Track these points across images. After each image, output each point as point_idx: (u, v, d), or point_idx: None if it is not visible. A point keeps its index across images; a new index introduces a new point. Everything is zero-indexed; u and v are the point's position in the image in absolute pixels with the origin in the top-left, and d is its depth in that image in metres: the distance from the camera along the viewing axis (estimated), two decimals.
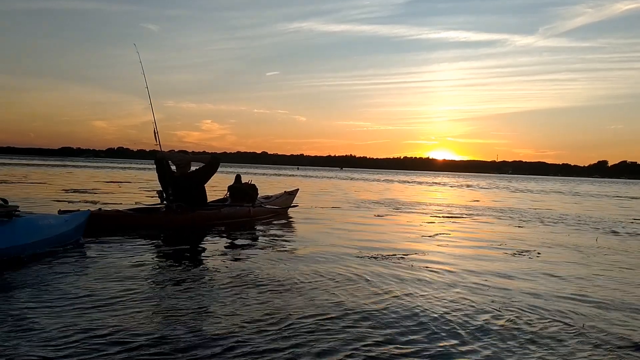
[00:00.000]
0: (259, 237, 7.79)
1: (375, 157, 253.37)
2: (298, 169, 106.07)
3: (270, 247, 6.80)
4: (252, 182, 10.78)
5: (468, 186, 40.54)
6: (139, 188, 18.39)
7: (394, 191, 26.34)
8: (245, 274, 4.94)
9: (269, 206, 10.62)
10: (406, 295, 4.42)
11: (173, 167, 8.64)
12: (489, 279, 5.25)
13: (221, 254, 6.11)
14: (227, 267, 5.31)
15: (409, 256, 6.44)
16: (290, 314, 3.65)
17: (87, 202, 11.73)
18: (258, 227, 8.92)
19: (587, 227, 11.23)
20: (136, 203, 9.72)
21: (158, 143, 8.57)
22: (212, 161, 8.76)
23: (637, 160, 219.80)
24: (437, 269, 5.65)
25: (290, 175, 48.52)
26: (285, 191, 12.67)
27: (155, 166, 8.55)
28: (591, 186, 57.22)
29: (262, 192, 12.34)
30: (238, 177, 10.73)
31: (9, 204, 5.51)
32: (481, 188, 37.05)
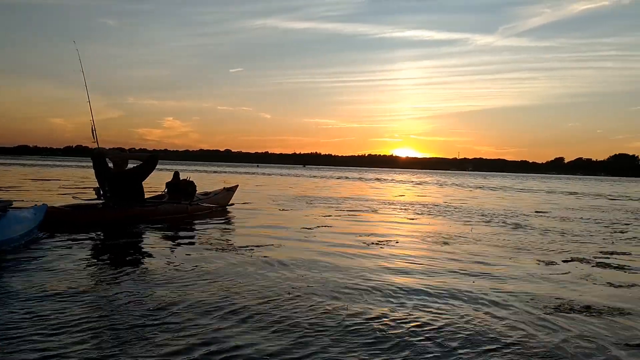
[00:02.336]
0: (188, 234, 7.96)
1: (340, 155, 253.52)
2: (258, 166, 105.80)
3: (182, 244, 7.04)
4: (190, 179, 10.95)
5: (400, 181, 41.26)
6: (60, 186, 18.14)
7: (328, 187, 26.68)
8: (173, 268, 5.20)
9: (205, 204, 10.79)
10: (214, 282, 4.66)
11: (110, 165, 8.80)
12: (309, 268, 5.54)
13: (152, 252, 6.28)
14: (156, 263, 5.51)
15: (260, 248, 6.69)
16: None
17: None
18: (193, 224, 9.06)
19: (479, 219, 11.72)
20: (73, 198, 9.86)
21: (95, 140, 8.76)
22: (150, 159, 8.95)
23: (592, 157, 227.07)
24: (272, 259, 5.92)
25: (241, 173, 48.38)
26: (224, 187, 12.84)
27: (92, 163, 8.70)
28: (533, 182, 58.70)
29: (203, 189, 12.63)
30: (176, 174, 10.88)
31: None
32: (418, 184, 37.76)
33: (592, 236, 9.33)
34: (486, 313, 4.04)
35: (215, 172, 48.53)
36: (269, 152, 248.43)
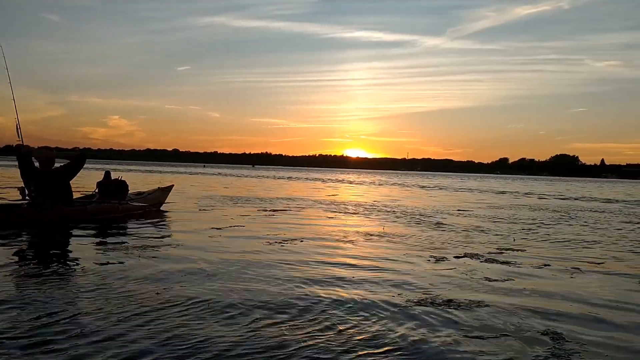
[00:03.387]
0: (115, 234, 7.80)
1: (291, 155, 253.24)
2: (204, 166, 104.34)
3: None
4: (122, 179, 10.76)
5: (344, 181, 41.75)
6: None
7: (266, 188, 26.64)
8: (100, 270, 5.13)
9: (136, 203, 10.58)
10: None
11: (37, 164, 8.58)
12: (193, 270, 5.50)
13: (72, 254, 6.11)
14: (73, 265, 5.38)
15: (161, 247, 6.67)
16: None
17: None
18: (123, 224, 8.89)
19: (399, 218, 11.96)
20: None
21: (20, 139, 8.61)
22: (78, 158, 8.83)
23: (535, 158, 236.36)
24: (160, 260, 5.86)
25: (184, 173, 47.60)
26: (159, 187, 12.63)
27: (17, 162, 8.48)
28: (474, 182, 60.23)
29: (138, 188, 12.47)
30: (107, 174, 10.65)
31: None
32: (360, 184, 38.25)
33: (499, 233, 9.66)
34: (346, 308, 4.12)
35: (158, 172, 47.57)
36: (218, 151, 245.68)
